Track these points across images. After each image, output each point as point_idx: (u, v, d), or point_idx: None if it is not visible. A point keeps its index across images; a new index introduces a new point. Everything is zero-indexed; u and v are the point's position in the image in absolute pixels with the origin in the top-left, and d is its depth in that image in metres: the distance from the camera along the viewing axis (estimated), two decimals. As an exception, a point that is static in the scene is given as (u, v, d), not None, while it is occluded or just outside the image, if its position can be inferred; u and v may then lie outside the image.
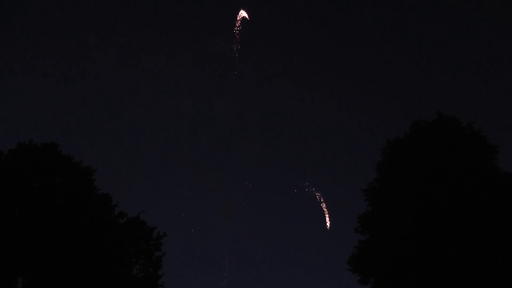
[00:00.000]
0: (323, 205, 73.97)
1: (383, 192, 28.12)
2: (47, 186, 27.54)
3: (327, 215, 74.16)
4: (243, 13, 72.21)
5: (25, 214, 26.07)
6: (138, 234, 28.68)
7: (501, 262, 24.01)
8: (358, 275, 27.79)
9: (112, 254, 26.80)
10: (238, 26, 72.44)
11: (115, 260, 26.89)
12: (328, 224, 74.14)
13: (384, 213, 27.65)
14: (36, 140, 28.79)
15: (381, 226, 27.72)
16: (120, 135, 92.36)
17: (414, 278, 25.04)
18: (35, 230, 25.57)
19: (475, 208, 24.65)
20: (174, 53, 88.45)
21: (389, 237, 26.88)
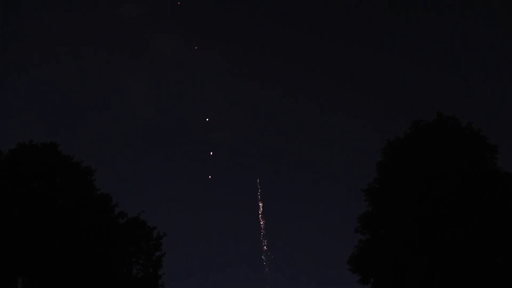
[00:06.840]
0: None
1: (383, 192, 28.13)
2: (47, 186, 27.54)
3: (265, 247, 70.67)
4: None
5: (25, 214, 26.07)
6: (138, 234, 28.73)
7: (501, 262, 24.03)
8: (358, 275, 27.84)
9: (112, 254, 26.82)
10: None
11: (115, 260, 26.91)
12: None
13: (384, 213, 27.66)
14: (36, 140, 28.86)
15: (381, 226, 27.74)
16: (120, 135, 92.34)
17: (414, 278, 25.07)
18: (35, 230, 25.57)
19: (475, 208, 24.66)
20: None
21: (389, 237, 26.91)
